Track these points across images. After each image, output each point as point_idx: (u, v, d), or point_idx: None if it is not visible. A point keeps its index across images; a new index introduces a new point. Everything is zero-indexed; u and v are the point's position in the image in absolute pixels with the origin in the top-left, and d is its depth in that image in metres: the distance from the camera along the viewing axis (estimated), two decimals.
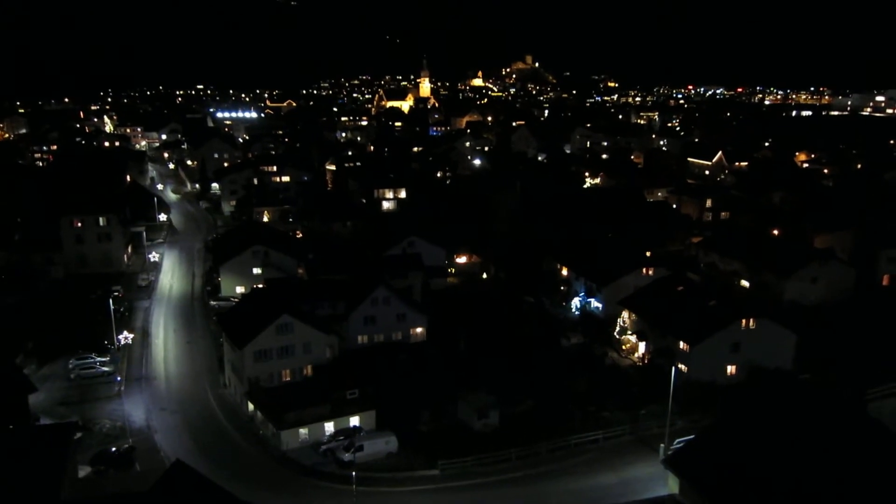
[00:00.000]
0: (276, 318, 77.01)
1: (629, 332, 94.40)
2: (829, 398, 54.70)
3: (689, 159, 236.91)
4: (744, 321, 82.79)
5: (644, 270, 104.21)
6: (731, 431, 55.33)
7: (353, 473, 58.27)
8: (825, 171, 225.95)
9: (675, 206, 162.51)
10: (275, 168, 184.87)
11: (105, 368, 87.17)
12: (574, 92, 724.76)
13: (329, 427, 72.09)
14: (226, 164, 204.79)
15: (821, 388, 56.31)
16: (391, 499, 62.58)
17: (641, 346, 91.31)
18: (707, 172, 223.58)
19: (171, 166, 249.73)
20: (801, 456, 48.97)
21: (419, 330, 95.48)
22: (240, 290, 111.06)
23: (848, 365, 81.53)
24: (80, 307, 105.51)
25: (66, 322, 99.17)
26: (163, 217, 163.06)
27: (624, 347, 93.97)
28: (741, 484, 49.39)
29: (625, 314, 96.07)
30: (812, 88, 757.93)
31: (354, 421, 73.24)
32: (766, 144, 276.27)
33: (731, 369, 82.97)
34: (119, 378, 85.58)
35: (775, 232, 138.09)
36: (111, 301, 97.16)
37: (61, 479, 48.39)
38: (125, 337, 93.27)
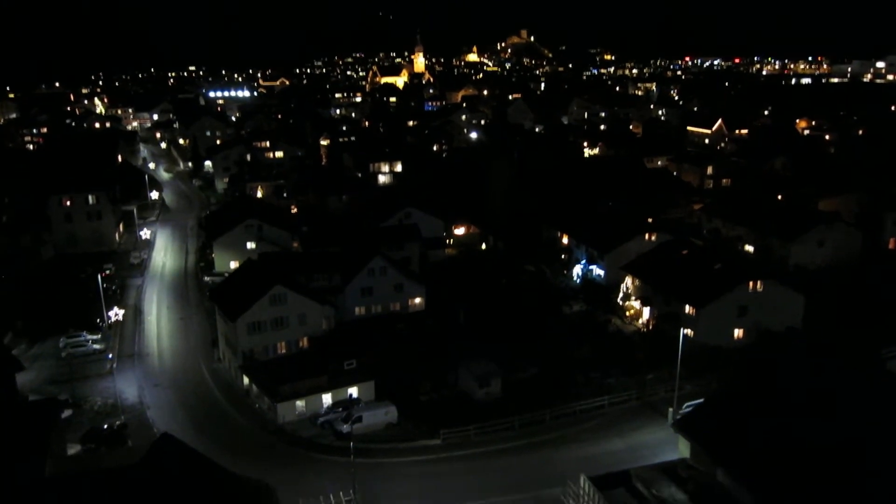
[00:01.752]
0: (269, 289, 74.75)
1: (633, 298, 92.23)
2: (846, 356, 52.54)
3: (688, 128, 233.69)
4: (751, 283, 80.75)
5: (646, 236, 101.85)
6: (744, 393, 53.26)
7: (351, 444, 56.17)
8: (826, 137, 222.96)
9: (675, 174, 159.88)
10: (268, 144, 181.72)
11: (96, 346, 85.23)
12: (570, 65, 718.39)
13: (327, 399, 70.12)
14: (218, 142, 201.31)
15: (837, 347, 54.04)
16: (392, 469, 60.69)
17: (646, 312, 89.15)
18: (707, 141, 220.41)
19: (164, 146, 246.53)
20: (818, 414, 46.90)
21: (417, 301, 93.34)
22: (234, 265, 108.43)
23: (857, 327, 79.69)
24: (71, 286, 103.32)
25: (57, 301, 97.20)
26: (154, 195, 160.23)
27: (627, 314, 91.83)
28: (755, 446, 47.37)
29: (628, 280, 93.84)
30: (810, 58, 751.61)
31: (353, 392, 71.19)
32: (766, 112, 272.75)
33: (738, 333, 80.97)
34: (111, 355, 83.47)
35: (779, 197, 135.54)
36: (101, 278, 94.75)
37: (45, 455, 46.28)
38: (115, 313, 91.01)
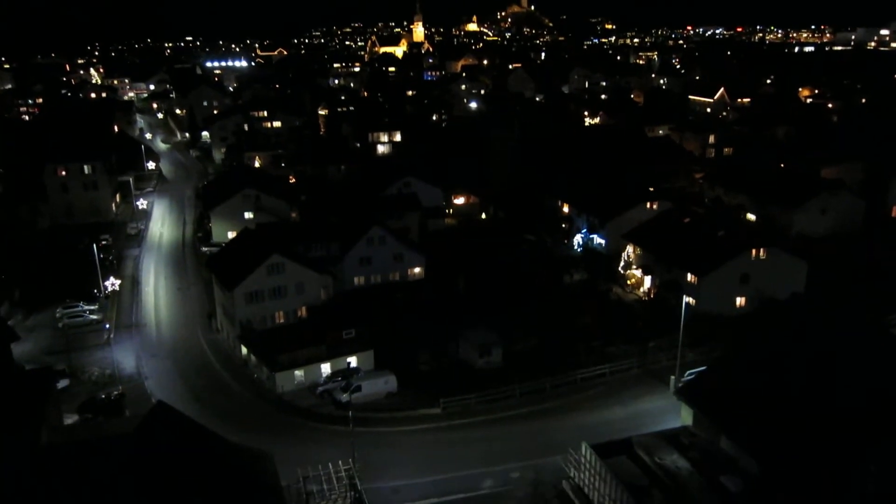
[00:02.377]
0: (267, 258, 73.78)
1: (634, 267, 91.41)
2: (849, 322, 51.82)
3: (690, 97, 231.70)
4: (753, 251, 79.92)
5: (648, 205, 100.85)
6: (747, 360, 52.68)
7: (350, 413, 55.73)
8: (829, 105, 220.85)
9: (677, 142, 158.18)
10: (265, 113, 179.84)
11: (93, 316, 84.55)
12: (570, 35, 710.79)
13: (325, 368, 69.62)
14: (215, 112, 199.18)
15: (841, 313, 53.32)
16: (392, 438, 60.30)
17: (647, 281, 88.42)
18: (709, 110, 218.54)
19: (160, 116, 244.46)
20: (822, 379, 46.31)
21: (417, 270, 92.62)
22: (231, 235, 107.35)
23: (861, 295, 78.97)
24: (68, 256, 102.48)
25: (54, 271, 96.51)
26: (151, 165, 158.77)
27: (629, 283, 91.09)
28: (758, 412, 46.84)
29: (629, 248, 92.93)
30: (813, 27, 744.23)
31: (352, 361, 70.71)
32: (769, 81, 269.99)
33: (740, 301, 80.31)
34: (108, 326, 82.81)
35: (781, 165, 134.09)
36: (97, 248, 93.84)
37: (40, 424, 45.76)
38: (112, 283, 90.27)
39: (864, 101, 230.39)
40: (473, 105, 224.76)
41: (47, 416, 48.17)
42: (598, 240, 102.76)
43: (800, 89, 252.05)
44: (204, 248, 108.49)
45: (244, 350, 73.75)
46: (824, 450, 42.47)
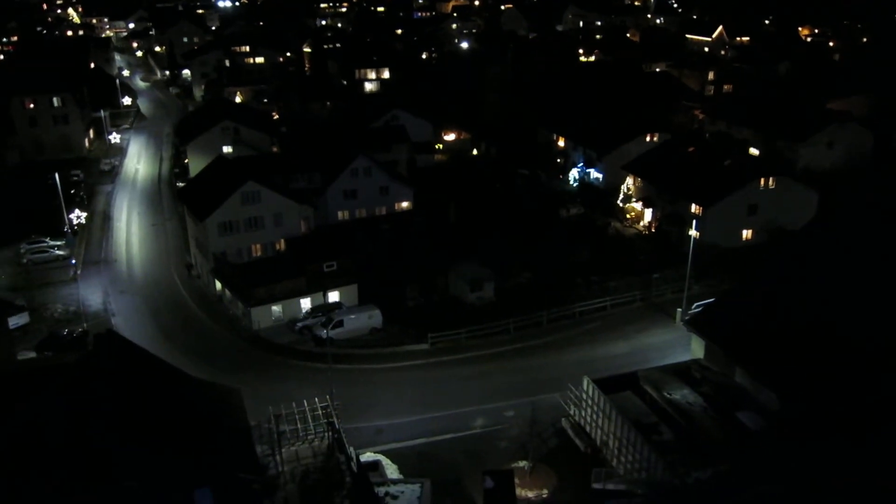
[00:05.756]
0: (241, 186, 68.31)
1: (634, 200, 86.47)
2: (869, 250, 47.16)
3: (687, 36, 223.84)
4: (762, 180, 75.06)
5: (647, 137, 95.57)
6: (762, 289, 48.24)
7: (327, 347, 51.23)
8: (830, 43, 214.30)
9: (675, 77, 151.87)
10: (248, 48, 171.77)
11: (59, 252, 79.25)
12: None
13: (306, 303, 64.92)
14: (195, 48, 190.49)
15: (859, 241, 48.60)
16: (376, 376, 55.92)
17: (648, 214, 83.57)
18: (707, 49, 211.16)
19: (140, 55, 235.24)
20: (845, 309, 41.95)
21: (405, 205, 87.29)
22: None
23: (873, 226, 74.32)
24: (35, 192, 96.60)
25: (19, 207, 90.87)
26: (128, 101, 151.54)
27: (628, 216, 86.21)
28: (776, 344, 42.55)
29: (629, 181, 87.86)
30: None
31: (334, 296, 66.06)
32: (767, 22, 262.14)
33: (747, 233, 75.74)
34: (74, 261, 77.64)
35: (786, 99, 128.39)
36: (60, 181, 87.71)
37: None
38: (77, 216, 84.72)
39: (865, 40, 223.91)
40: (465, 45, 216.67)
41: None
42: (594, 174, 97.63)
43: (799, 28, 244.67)
44: (180, 184, 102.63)
45: (218, 285, 68.84)
46: (850, 382, 38.29)
